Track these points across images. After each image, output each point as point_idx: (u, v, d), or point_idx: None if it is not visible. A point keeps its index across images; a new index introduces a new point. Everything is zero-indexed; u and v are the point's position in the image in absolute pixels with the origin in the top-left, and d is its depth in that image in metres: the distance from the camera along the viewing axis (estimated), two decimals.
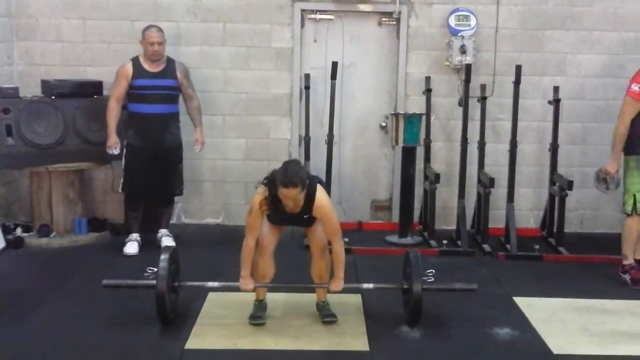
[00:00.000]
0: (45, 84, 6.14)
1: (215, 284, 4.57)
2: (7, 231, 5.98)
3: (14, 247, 5.85)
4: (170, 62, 5.87)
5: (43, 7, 6.49)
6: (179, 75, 5.86)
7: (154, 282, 4.24)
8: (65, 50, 6.55)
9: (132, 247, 5.84)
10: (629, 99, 5.20)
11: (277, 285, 4.54)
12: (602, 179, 5.49)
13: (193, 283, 4.60)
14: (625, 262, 5.36)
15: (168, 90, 5.81)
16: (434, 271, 4.47)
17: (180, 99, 6.00)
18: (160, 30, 5.78)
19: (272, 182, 4.15)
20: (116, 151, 5.83)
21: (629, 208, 5.28)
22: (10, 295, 4.89)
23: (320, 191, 4.24)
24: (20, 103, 5.87)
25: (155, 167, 5.84)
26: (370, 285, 4.56)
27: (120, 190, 5.99)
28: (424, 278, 4.34)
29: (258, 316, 4.45)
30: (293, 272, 4.68)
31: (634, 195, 5.23)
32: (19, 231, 6.06)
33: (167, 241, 5.91)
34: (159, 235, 6.03)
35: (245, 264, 4.32)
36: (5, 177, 6.22)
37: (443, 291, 4.56)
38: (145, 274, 4.37)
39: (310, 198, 4.17)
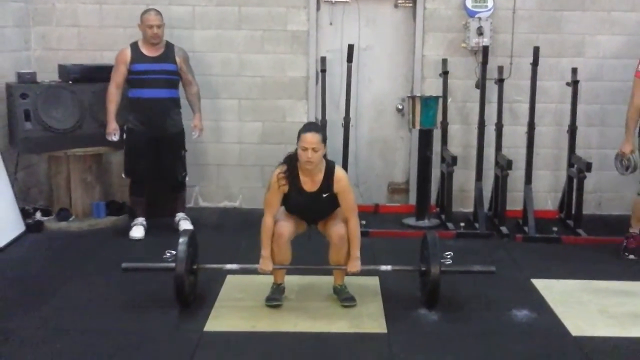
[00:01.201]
0: (62, 69, 6.17)
1: (234, 266, 4.59)
2: (26, 215, 6.03)
3: (34, 231, 5.89)
4: (169, 46, 5.83)
5: None
6: (178, 59, 5.82)
7: (173, 264, 4.27)
8: (81, 34, 6.57)
9: (137, 231, 5.85)
10: (636, 79, 5.32)
11: (295, 267, 4.56)
12: (620, 161, 5.54)
13: (211, 265, 4.63)
14: (631, 230, 5.48)
15: (168, 74, 5.77)
16: (451, 253, 4.47)
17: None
18: (158, 13, 5.75)
19: (290, 157, 4.26)
20: (115, 138, 5.81)
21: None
22: (30, 279, 4.95)
23: (339, 167, 4.38)
24: (37, 88, 5.90)
25: (158, 153, 5.81)
26: (388, 267, 4.56)
27: (124, 176, 6.00)
28: (441, 260, 4.34)
29: (274, 298, 4.46)
30: (310, 255, 4.68)
31: None
32: (38, 215, 6.10)
33: (185, 224, 5.94)
34: (177, 219, 6.05)
35: (265, 243, 4.34)
36: (23, 161, 6.25)
37: (461, 273, 4.56)
38: (165, 256, 4.40)
39: (329, 171, 4.27)
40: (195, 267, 4.48)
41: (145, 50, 5.74)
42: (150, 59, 5.74)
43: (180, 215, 6.08)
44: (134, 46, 5.78)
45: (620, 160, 5.53)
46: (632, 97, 5.37)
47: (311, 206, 4.38)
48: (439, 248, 4.39)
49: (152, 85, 5.72)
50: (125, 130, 5.82)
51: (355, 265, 4.36)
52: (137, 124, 5.76)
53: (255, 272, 4.40)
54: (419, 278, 4.58)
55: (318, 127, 4.39)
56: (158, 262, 4.48)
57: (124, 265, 4.53)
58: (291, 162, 4.25)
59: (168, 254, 4.38)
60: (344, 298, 4.49)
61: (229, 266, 4.60)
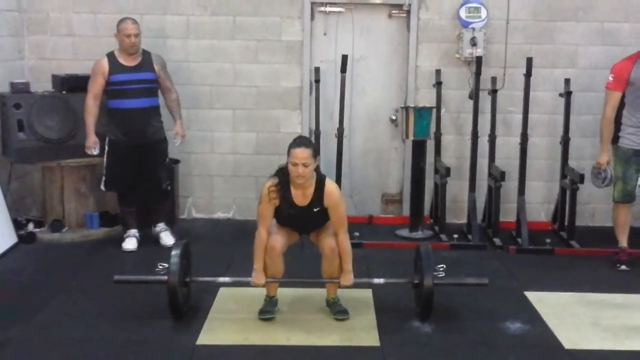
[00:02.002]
0: (56, 79, 6.16)
1: (227, 279, 4.60)
2: (19, 226, 6.00)
3: (26, 243, 5.87)
4: (146, 54, 5.78)
5: (53, 1, 6.50)
6: (156, 67, 5.77)
7: (165, 277, 4.27)
8: (75, 44, 6.56)
9: (130, 243, 5.83)
10: (607, 90, 5.49)
11: (288, 280, 4.55)
12: (597, 174, 5.63)
13: (204, 278, 4.62)
14: (619, 245, 5.60)
15: (147, 83, 5.71)
16: (444, 266, 4.47)
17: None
18: (135, 22, 5.70)
19: (281, 170, 4.25)
20: (95, 151, 5.74)
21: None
22: (22, 290, 4.93)
23: (329, 180, 4.36)
24: (31, 98, 5.89)
25: (142, 163, 5.75)
26: (381, 281, 4.56)
27: (102, 188, 5.94)
28: (435, 273, 4.34)
29: (267, 311, 4.45)
30: (303, 267, 4.68)
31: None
32: (30, 226, 6.09)
33: (165, 236, 5.91)
34: (157, 229, 5.97)
35: (258, 256, 4.32)
36: (17, 171, 6.23)
37: (454, 286, 4.57)
38: (157, 269, 4.39)
39: (320, 185, 4.26)
40: (188, 279, 4.47)
41: (122, 60, 5.67)
42: (128, 69, 5.66)
43: (160, 226, 6.00)
44: (111, 56, 5.69)
45: (596, 173, 5.60)
46: (604, 108, 5.49)
47: (302, 219, 4.37)
48: (433, 260, 4.39)
49: (132, 95, 5.65)
50: (106, 143, 5.75)
51: (348, 278, 4.36)
52: (119, 134, 5.69)
53: (248, 284, 4.40)
54: (413, 290, 4.58)
55: (309, 141, 4.35)
56: (150, 274, 4.47)
57: (115, 277, 4.51)
58: (282, 176, 4.25)
59: (160, 267, 4.37)
60: (337, 311, 4.48)
61: (221, 279, 4.61)
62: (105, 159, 5.78)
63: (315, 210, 4.29)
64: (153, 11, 6.43)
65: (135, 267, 5.17)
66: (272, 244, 4.31)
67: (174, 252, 4.35)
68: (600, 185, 5.61)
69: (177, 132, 6.00)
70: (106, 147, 5.75)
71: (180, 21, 6.53)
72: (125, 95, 5.65)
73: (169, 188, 6.13)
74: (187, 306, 4.48)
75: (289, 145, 4.21)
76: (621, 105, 5.43)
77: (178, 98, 5.99)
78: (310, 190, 4.26)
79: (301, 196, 4.27)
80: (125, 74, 5.65)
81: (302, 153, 4.12)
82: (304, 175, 4.15)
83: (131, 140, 5.69)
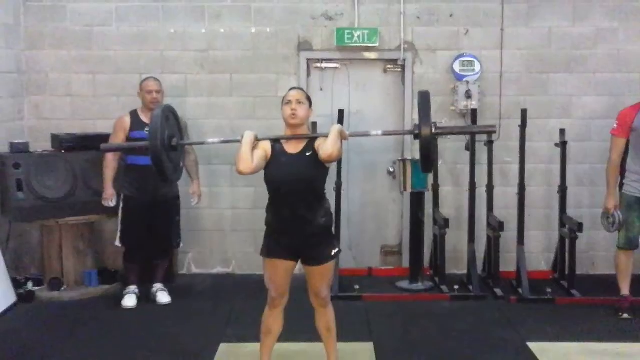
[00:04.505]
0: (55, 138, 6.21)
1: (215, 139, 4.63)
2: (18, 285, 5.98)
3: (26, 301, 5.83)
4: None
5: (53, 63, 6.60)
6: None
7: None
8: (75, 104, 6.64)
9: (130, 300, 5.79)
10: (612, 137, 5.55)
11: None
12: (607, 218, 5.65)
13: (193, 142, 4.97)
14: (622, 294, 5.58)
15: None
16: (447, 119, 4.20)
17: None
18: (157, 80, 5.91)
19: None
20: (112, 203, 5.85)
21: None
22: (23, 351, 4.86)
23: None
24: (30, 158, 5.93)
25: (153, 219, 5.80)
26: (379, 132, 4.35)
27: (118, 244, 5.94)
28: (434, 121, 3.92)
29: None
30: (304, 320, 4.64)
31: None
32: (30, 285, 6.06)
33: (162, 296, 5.87)
34: (154, 289, 5.94)
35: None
36: (16, 230, 6.24)
37: (456, 134, 4.34)
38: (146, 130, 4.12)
39: (311, 140, 4.08)
40: (174, 144, 4.19)
41: (144, 118, 5.80)
42: (149, 126, 5.77)
43: (157, 286, 5.96)
44: (134, 114, 5.86)
45: (606, 217, 5.62)
46: (610, 154, 5.54)
47: (294, 170, 4.01)
48: (430, 108, 3.96)
49: None
50: (121, 199, 5.83)
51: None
52: (134, 190, 5.77)
53: (237, 141, 4.13)
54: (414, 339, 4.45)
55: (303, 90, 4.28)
56: (149, 333, 4.44)
57: (102, 146, 4.64)
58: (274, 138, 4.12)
59: (147, 131, 4.14)
60: None
61: (210, 140, 4.61)
62: (120, 214, 5.86)
63: (307, 154, 4.03)
64: (151, 71, 6.50)
65: (135, 325, 5.13)
66: (274, 295, 4.10)
67: (155, 113, 4.09)
68: (611, 229, 5.61)
69: (194, 191, 6.10)
70: (121, 203, 5.83)
71: (178, 80, 6.62)
72: (143, 152, 5.71)
73: (181, 245, 6.17)
74: (179, 170, 4.35)
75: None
76: (627, 152, 5.48)
77: (197, 159, 6.11)
78: (303, 142, 4.07)
79: (293, 147, 4.08)
80: (146, 131, 5.73)
81: (296, 92, 4.07)
82: (298, 114, 4.00)
83: (145, 197, 5.75)
